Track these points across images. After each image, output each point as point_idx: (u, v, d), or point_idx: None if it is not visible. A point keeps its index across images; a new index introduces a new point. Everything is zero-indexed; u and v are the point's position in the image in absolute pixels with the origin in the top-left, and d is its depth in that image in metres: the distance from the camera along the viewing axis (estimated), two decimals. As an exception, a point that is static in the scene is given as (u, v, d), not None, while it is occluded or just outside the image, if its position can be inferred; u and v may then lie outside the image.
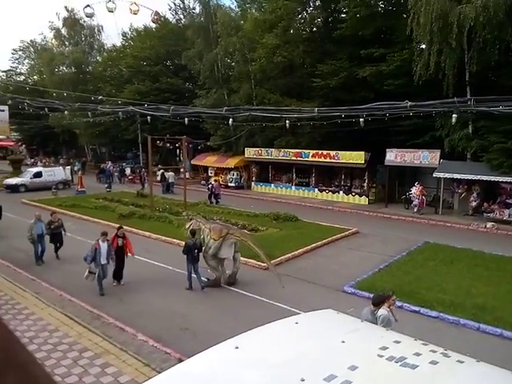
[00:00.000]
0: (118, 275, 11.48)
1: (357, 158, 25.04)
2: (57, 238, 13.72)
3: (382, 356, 2.46)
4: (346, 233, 17.45)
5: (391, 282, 11.49)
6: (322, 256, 14.53)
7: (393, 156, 23.64)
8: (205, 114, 29.42)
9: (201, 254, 11.21)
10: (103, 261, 10.68)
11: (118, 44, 48.73)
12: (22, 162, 37.46)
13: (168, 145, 36.21)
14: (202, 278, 11.28)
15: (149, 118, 25.94)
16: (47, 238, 13.63)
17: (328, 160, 26.53)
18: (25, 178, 29.77)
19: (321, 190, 28.00)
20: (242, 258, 12.03)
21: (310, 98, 26.50)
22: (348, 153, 25.41)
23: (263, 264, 12.62)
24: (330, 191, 27.63)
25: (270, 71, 29.48)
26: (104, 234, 10.96)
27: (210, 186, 26.15)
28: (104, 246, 10.71)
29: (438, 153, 22.24)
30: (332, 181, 28.32)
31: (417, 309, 9.95)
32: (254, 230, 17.13)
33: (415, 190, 22.22)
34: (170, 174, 30.32)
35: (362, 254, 14.78)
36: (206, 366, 2.37)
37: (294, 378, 2.15)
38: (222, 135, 32.05)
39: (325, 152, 26.61)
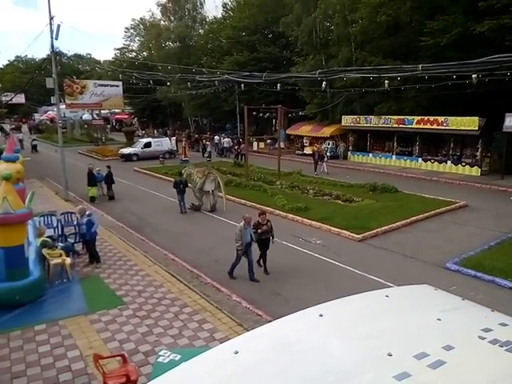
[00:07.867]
0: None
1: (469, 123, 22.63)
2: (265, 245, 10.23)
3: (483, 338, 2.19)
4: (452, 206, 16.04)
5: (503, 260, 10.36)
6: (422, 230, 13.58)
7: (514, 121, 20.76)
8: (300, 82, 28.86)
9: (187, 189, 16.07)
10: None
11: (219, 16, 49.79)
12: (134, 134, 41.16)
13: (261, 114, 36.43)
14: (187, 205, 16.24)
15: (242, 86, 26.22)
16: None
17: (435, 127, 24.48)
18: (137, 147, 32.66)
19: (425, 160, 26.02)
20: (334, 229, 13.48)
21: (416, 59, 24.11)
22: (459, 118, 23.12)
23: (356, 235, 12.78)
24: (435, 161, 25.55)
25: (372, 32, 27.70)
26: None
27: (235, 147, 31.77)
28: None
29: None
30: (438, 150, 26.05)
31: (534, 293, 8.84)
32: (348, 200, 16.59)
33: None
34: (225, 140, 35.32)
35: (469, 230, 13.50)
36: (288, 330, 2.33)
37: (380, 351, 2.00)
38: (317, 103, 31.28)
39: (431, 118, 24.55)
